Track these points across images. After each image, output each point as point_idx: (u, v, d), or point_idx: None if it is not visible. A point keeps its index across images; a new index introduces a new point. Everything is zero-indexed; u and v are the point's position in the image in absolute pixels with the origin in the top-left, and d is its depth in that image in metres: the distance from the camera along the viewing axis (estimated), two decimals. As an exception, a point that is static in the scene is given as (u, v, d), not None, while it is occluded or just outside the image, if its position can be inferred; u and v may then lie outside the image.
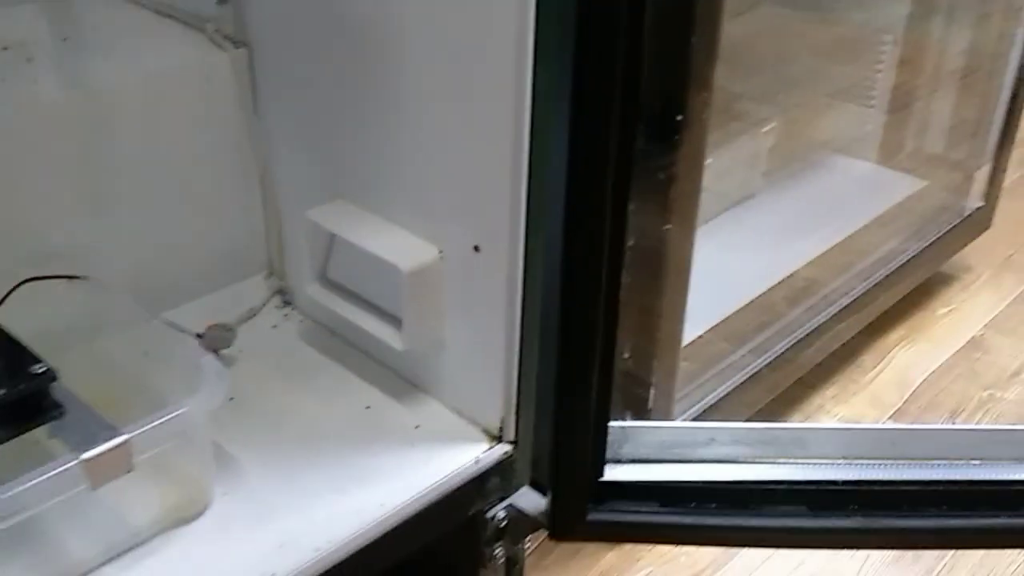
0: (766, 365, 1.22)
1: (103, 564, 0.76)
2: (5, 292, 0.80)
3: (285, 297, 1.05)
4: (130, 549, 0.77)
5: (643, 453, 0.90)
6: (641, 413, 1.02)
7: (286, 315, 1.04)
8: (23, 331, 0.74)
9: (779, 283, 1.32)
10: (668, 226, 0.96)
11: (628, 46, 0.71)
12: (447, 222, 0.85)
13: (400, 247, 0.87)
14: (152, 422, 0.71)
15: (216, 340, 0.95)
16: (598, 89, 0.72)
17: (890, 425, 1.28)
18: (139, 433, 0.70)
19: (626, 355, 0.96)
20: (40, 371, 0.70)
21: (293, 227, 1.00)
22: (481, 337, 0.87)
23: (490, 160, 0.80)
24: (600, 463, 0.87)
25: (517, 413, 0.88)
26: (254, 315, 1.03)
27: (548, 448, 0.86)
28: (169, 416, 0.72)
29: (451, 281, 0.87)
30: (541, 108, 0.76)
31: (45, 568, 0.74)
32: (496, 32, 0.75)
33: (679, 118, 0.91)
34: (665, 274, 0.99)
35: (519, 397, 0.87)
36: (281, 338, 1.01)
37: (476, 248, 0.83)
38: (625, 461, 0.89)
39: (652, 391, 1.01)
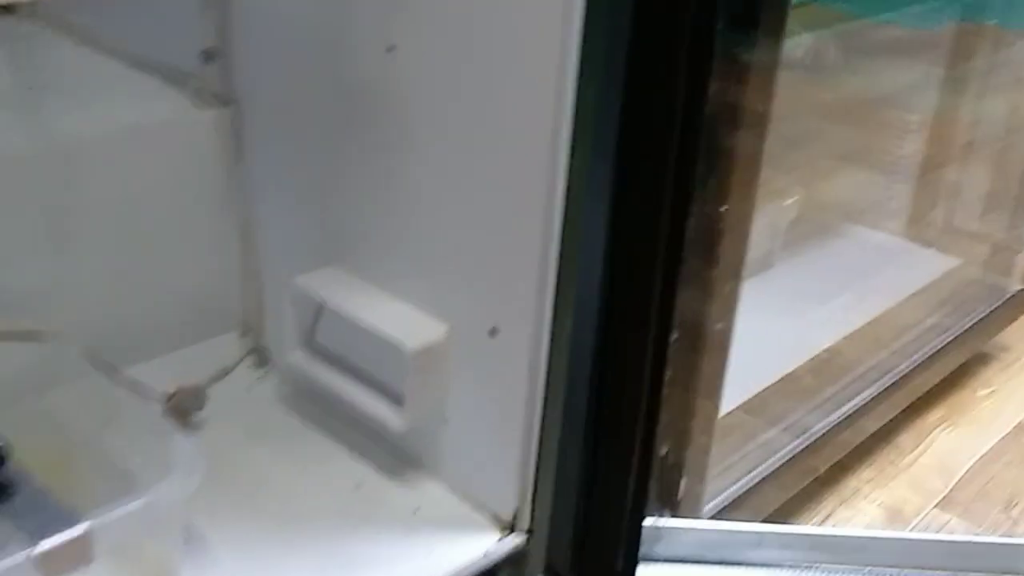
0: (802, 448, 1.14)
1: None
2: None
3: (260, 357, 0.98)
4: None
5: (681, 553, 0.81)
6: (671, 502, 0.91)
7: (260, 377, 0.97)
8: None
9: (807, 361, 1.26)
10: (708, 306, 0.88)
11: (686, 115, 0.65)
12: (458, 298, 0.79)
13: (402, 322, 0.80)
14: (118, 509, 0.64)
15: (186, 403, 0.87)
16: (649, 148, 0.66)
17: (962, 537, 1.17)
18: (102, 522, 0.63)
19: (665, 450, 0.86)
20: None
21: (277, 290, 0.93)
22: (495, 419, 0.79)
23: (514, 233, 0.72)
24: (633, 562, 0.78)
25: (533, 501, 0.79)
26: (226, 375, 0.96)
27: (571, 541, 0.78)
28: (137, 504, 0.65)
29: (462, 361, 0.80)
30: (576, 174, 0.68)
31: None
32: (528, 84, 0.67)
33: (724, 208, 0.85)
34: (702, 358, 0.90)
35: (536, 484, 0.79)
36: (256, 402, 0.94)
37: (493, 331, 0.76)
38: (659, 560, 0.81)
39: (683, 481, 0.91)
